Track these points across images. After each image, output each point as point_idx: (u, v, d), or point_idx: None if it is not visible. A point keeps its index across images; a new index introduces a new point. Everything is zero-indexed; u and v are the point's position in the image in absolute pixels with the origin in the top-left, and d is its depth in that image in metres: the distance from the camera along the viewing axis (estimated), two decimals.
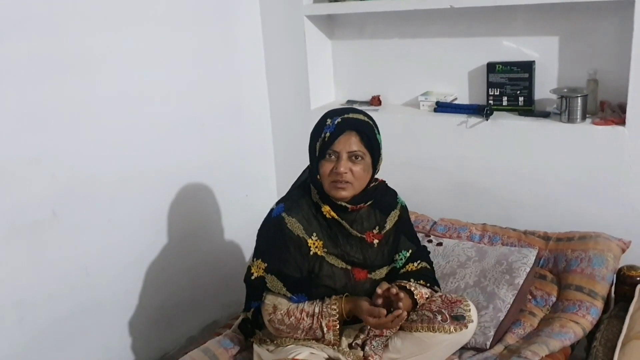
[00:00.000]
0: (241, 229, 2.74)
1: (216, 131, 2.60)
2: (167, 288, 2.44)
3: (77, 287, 2.10)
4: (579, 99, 2.19)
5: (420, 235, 2.15)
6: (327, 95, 2.88)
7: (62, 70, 1.97)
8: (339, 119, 1.62)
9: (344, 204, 1.64)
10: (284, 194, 2.91)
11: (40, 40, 1.90)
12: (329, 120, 1.64)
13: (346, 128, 1.61)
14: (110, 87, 2.13)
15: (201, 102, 2.51)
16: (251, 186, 2.82)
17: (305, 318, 1.61)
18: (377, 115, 2.56)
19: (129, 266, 2.28)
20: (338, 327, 1.61)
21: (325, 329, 1.60)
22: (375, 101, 2.74)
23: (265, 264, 1.66)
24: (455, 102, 2.55)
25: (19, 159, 1.89)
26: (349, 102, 2.82)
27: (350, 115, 1.65)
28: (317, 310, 1.62)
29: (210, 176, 2.58)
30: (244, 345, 1.88)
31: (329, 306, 1.62)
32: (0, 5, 1.79)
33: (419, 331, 1.65)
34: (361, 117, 1.67)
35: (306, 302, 1.64)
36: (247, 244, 2.79)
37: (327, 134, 1.61)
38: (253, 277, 1.68)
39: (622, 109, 2.16)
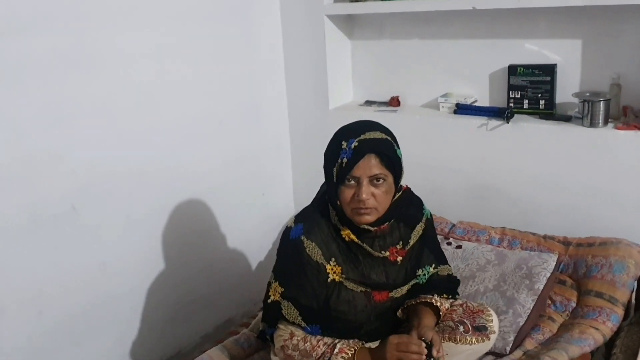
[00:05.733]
0: (257, 227, 2.75)
1: (234, 129, 2.60)
2: (182, 285, 2.44)
3: (95, 281, 2.10)
4: (602, 103, 2.17)
5: (439, 238, 2.13)
6: (346, 96, 2.88)
7: (83, 67, 1.98)
8: (355, 142, 1.49)
9: (366, 227, 1.55)
10: (300, 193, 2.95)
11: (62, 37, 1.91)
12: (344, 144, 1.50)
13: (365, 152, 1.48)
14: (131, 84, 2.14)
15: (220, 100, 2.51)
16: (268, 185, 2.82)
17: (321, 346, 1.54)
18: (396, 117, 2.61)
19: (145, 262, 2.29)
20: (350, 354, 1.53)
21: (337, 352, 1.53)
22: (394, 102, 2.73)
23: (282, 289, 1.60)
24: (476, 104, 2.54)
25: (40, 155, 1.90)
26: (367, 102, 2.82)
27: (367, 136, 1.51)
28: (336, 342, 1.55)
29: (227, 174, 2.58)
30: (261, 345, 1.87)
31: (346, 344, 1.55)
32: (24, 2, 1.80)
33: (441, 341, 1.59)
34: (378, 134, 1.53)
35: (326, 337, 1.59)
36: (263, 243, 2.79)
37: (345, 160, 1.49)
38: (269, 300, 1.63)
39: None
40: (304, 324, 1.58)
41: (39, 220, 1.91)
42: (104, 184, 2.09)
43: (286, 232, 1.63)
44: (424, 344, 1.46)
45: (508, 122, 2.33)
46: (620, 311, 1.90)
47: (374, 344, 1.67)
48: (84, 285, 2.07)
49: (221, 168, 2.55)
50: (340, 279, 1.59)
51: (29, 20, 1.82)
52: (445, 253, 1.87)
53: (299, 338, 1.57)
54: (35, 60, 1.85)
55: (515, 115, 2.36)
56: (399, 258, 1.64)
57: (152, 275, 2.32)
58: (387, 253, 1.62)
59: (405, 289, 1.66)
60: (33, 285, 1.92)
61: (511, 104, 2.41)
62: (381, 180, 1.51)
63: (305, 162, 2.87)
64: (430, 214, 1.76)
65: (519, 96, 2.40)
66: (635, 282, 1.98)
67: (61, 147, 1.95)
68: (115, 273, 2.17)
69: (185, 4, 2.31)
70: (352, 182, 1.51)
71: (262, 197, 2.79)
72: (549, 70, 2.32)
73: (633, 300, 2.00)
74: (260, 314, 1.86)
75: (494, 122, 2.38)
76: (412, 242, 1.66)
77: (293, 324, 1.58)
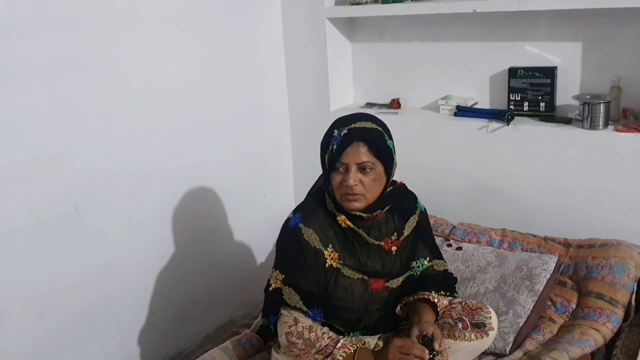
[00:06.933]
0: (258, 228, 2.76)
1: (236, 131, 2.61)
2: (184, 286, 2.45)
3: (97, 282, 2.12)
4: (602, 105, 2.18)
5: (439, 239, 2.15)
6: (347, 98, 2.89)
7: (86, 69, 1.99)
8: (345, 130, 1.56)
9: (358, 213, 1.61)
10: (301, 194, 2.93)
11: (65, 39, 1.92)
12: (335, 131, 1.58)
13: (353, 139, 1.55)
14: (133, 86, 2.15)
15: (222, 102, 2.53)
16: (269, 186, 2.83)
17: (325, 339, 1.58)
18: (397, 118, 2.62)
19: (147, 263, 2.30)
20: (352, 351, 1.57)
21: (340, 346, 1.56)
22: (395, 104, 2.74)
23: (283, 276, 1.64)
24: (476, 106, 2.55)
25: (43, 156, 1.91)
26: (368, 104, 2.83)
27: (358, 125, 1.58)
28: (340, 337, 1.59)
29: (228, 175, 2.59)
30: (263, 345, 1.88)
31: (349, 341, 1.58)
32: (27, 7, 1.81)
33: None
34: (369, 124, 1.60)
35: (331, 331, 1.62)
36: (264, 244, 2.80)
37: (335, 146, 1.56)
38: (271, 289, 1.66)
39: None
40: (305, 308, 1.61)
41: (41, 222, 1.93)
42: (106, 185, 2.10)
43: (285, 223, 1.68)
44: (427, 350, 1.48)
45: (508, 125, 2.34)
46: (620, 312, 1.90)
47: (372, 339, 1.71)
48: (87, 286, 2.08)
49: (222, 169, 2.56)
50: (338, 265, 1.63)
51: (31, 23, 1.83)
52: (445, 255, 1.88)
53: (304, 325, 1.59)
54: (38, 62, 1.86)
55: (516, 118, 2.37)
56: (394, 248, 1.68)
57: (154, 276, 2.33)
58: (382, 243, 1.66)
59: (400, 280, 1.70)
60: (35, 286, 1.93)
61: (511, 106, 2.42)
62: (369, 169, 1.57)
63: (306, 164, 2.88)
64: (424, 209, 1.80)
65: (519, 98, 2.41)
66: (636, 283, 1.99)
67: (64, 149, 1.96)
68: (117, 274, 2.18)
69: (187, 7, 2.32)
70: (342, 168, 1.57)
71: (263, 198, 2.80)
72: (549, 72, 2.33)
73: (633, 302, 2.01)
74: (261, 322, 1.87)
75: (495, 125, 2.39)
76: (406, 233, 1.71)
77: (295, 308, 1.61)
